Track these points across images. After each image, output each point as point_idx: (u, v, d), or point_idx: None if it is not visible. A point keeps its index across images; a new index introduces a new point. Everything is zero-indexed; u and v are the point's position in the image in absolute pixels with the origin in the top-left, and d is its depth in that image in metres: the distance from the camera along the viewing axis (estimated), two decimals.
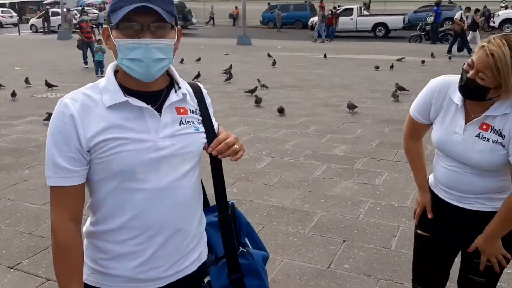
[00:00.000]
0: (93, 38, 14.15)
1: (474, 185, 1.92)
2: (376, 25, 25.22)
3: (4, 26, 34.99)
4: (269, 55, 15.95)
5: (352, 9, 25.55)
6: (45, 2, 39.54)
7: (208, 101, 1.52)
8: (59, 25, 26.80)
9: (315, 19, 24.54)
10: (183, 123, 1.38)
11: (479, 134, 1.86)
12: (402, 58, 14.65)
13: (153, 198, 1.33)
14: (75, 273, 1.34)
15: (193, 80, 11.94)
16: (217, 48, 19.67)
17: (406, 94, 9.29)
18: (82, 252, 1.37)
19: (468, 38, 17.37)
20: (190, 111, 1.43)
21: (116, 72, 1.38)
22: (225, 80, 11.18)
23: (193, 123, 1.41)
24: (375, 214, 4.13)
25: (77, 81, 11.73)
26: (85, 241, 1.41)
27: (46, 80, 10.38)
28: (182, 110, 1.40)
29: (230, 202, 1.60)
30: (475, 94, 1.81)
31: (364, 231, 3.83)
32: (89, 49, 13.96)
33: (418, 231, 2.18)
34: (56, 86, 10.52)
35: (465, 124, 1.89)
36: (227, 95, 9.71)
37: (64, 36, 24.97)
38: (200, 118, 1.45)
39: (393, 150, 5.93)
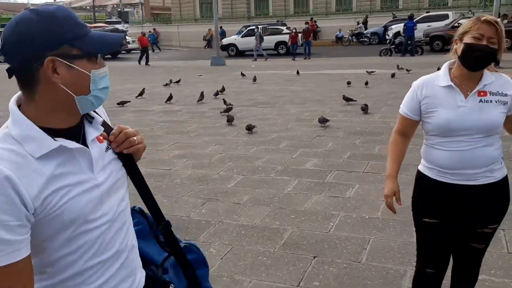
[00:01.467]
0: None
1: (484, 158, 2.19)
2: (278, 43, 26.68)
3: None
4: (242, 74, 16.00)
5: (255, 28, 26.26)
6: None
7: (103, 113, 1.43)
8: None
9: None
10: (107, 151, 1.34)
11: (481, 99, 2.16)
12: (372, 72, 14.82)
13: (107, 230, 1.28)
14: None
15: (165, 102, 11.76)
16: (191, 69, 19.66)
17: (377, 106, 9.34)
18: None
19: None
20: (102, 135, 1.35)
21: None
22: (198, 100, 11.12)
23: (109, 148, 1.35)
24: (346, 228, 4.05)
25: None
26: None
27: None
28: (101, 138, 1.33)
29: (135, 207, 1.56)
30: (490, 58, 2.12)
31: (335, 246, 3.74)
32: None
33: (426, 219, 2.36)
34: None
35: (465, 98, 2.17)
36: (201, 114, 9.64)
37: None
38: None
39: (364, 162, 5.90)
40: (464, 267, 2.45)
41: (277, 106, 10.33)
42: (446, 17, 25.21)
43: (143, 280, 1.45)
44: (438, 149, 2.26)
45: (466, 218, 2.30)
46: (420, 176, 2.40)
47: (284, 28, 27.76)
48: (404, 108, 2.37)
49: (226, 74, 17.34)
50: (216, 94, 11.73)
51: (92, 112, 1.33)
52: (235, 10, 41.85)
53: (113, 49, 1.26)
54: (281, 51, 26.62)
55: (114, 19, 54.31)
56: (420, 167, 2.40)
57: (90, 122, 1.32)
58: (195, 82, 15.33)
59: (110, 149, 1.35)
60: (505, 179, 2.28)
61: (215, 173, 5.72)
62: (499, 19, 2.15)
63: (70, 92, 1.18)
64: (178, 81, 14.71)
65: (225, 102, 10.07)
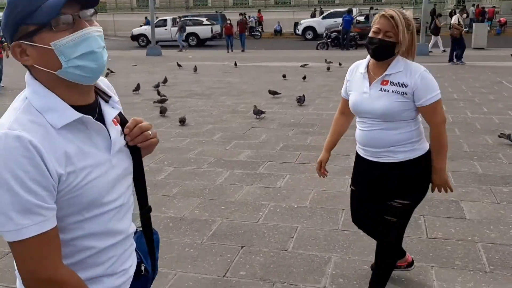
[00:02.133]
0: (4, 54, 12.12)
1: (382, 140, 2.49)
2: (188, 35, 26.60)
3: None
4: (178, 65, 15.73)
5: (166, 20, 26.79)
6: None
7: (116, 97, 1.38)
8: None
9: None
10: (122, 135, 1.31)
11: (381, 88, 2.44)
12: (306, 65, 15.06)
13: (117, 213, 1.28)
14: None
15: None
16: (126, 59, 19.07)
17: (311, 99, 9.50)
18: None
19: (431, 43, 17.98)
20: (120, 122, 1.33)
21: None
22: (133, 90, 10.78)
23: (122, 133, 1.32)
24: (275, 217, 4.07)
25: None
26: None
27: None
28: (115, 120, 1.30)
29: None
30: (387, 50, 2.38)
31: (263, 235, 3.74)
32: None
33: (351, 186, 2.86)
34: None
35: (370, 85, 2.48)
36: (132, 106, 9.35)
37: None
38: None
39: (296, 153, 5.97)
40: (381, 239, 2.75)
41: (212, 97, 10.23)
42: (351, 12, 25.73)
43: (134, 262, 1.44)
44: (357, 127, 2.65)
45: (377, 191, 2.66)
46: (356, 153, 2.79)
47: (204, 19, 27.96)
48: (342, 91, 2.73)
49: (161, 65, 16.97)
50: (157, 85, 10.90)
51: (108, 90, 1.31)
52: (173, 0, 41.08)
53: (55, 12, 1.09)
54: (192, 43, 26.66)
55: None
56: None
57: (107, 101, 1.28)
58: (128, 72, 14.87)
59: (122, 134, 1.31)
60: (408, 162, 2.50)
61: (144, 165, 5.55)
62: (396, 14, 2.35)
63: (48, 70, 1.13)
64: (111, 71, 14.20)
65: (159, 93, 9.82)
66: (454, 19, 15.33)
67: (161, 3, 39.82)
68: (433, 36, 18.52)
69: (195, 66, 14.83)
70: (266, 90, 10.15)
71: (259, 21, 33.04)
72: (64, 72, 1.13)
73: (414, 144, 2.50)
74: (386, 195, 2.58)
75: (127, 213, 1.35)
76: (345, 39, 21.89)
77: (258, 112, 7.89)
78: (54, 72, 1.13)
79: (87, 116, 1.17)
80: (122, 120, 1.34)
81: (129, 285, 1.39)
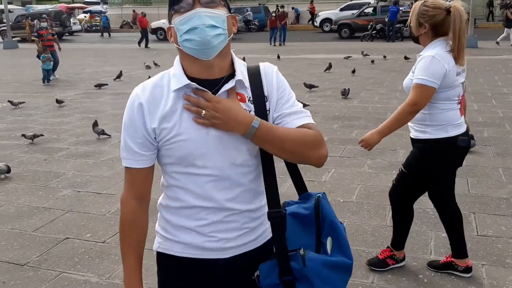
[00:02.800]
0: (56, 46, 12.59)
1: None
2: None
3: None
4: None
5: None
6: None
7: (269, 82, 1.44)
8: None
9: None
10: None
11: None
12: (349, 57, 14.86)
13: (212, 182, 1.39)
14: (132, 245, 1.48)
15: (115, 79, 11.46)
16: (171, 52, 19.37)
17: (356, 92, 9.37)
18: (140, 229, 1.49)
19: (502, 35, 17.20)
20: (248, 99, 1.42)
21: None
22: None
23: (249, 112, 1.39)
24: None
25: (20, 90, 11.27)
26: (158, 213, 1.53)
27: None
28: (239, 97, 1.40)
29: (317, 194, 1.51)
30: (411, 33, 2.84)
31: None
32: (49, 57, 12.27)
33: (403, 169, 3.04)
34: (23, 102, 9.95)
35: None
36: None
37: (11, 45, 24.05)
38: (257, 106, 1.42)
39: (341, 146, 5.93)
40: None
41: None
42: (397, 3, 24.95)
43: (257, 244, 1.49)
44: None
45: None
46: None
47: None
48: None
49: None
50: None
51: (239, 70, 1.41)
52: None
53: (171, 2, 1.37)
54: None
55: None
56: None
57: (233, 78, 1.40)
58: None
59: (250, 113, 1.38)
60: (417, 140, 2.86)
61: None
62: (418, 2, 2.74)
63: (176, 45, 1.38)
64: (155, 65, 14.48)
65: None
66: None
67: None
68: (505, 29, 17.60)
69: (244, 58, 14.92)
70: (308, 81, 10.09)
71: (311, 12, 32.29)
72: (182, 46, 1.35)
73: (426, 127, 2.78)
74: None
75: (229, 189, 1.41)
76: (391, 30, 21.39)
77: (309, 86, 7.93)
78: (177, 46, 1.37)
79: (192, 83, 1.35)
80: (255, 92, 1.42)
81: (227, 256, 1.46)
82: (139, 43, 22.57)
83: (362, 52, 15.11)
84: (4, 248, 3.64)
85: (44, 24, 12.95)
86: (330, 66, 12.48)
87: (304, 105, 7.86)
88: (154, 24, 28.04)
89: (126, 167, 1.45)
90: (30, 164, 5.70)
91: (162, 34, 27.13)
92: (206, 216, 1.43)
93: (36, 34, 12.89)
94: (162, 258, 1.52)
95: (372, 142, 2.82)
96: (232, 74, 1.40)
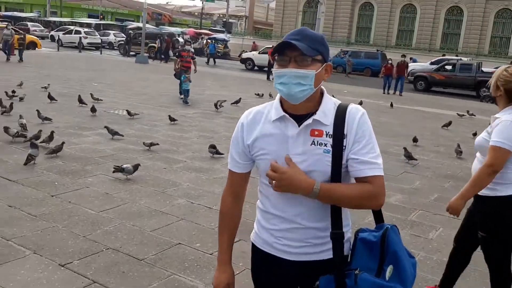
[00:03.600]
0: (192, 68, 13.24)
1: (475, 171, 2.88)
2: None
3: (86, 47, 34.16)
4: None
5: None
6: (128, 26, 42.19)
7: (351, 122, 1.65)
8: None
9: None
10: (313, 144, 1.65)
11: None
12: (463, 115, 14.26)
13: (281, 196, 1.70)
14: (224, 230, 1.89)
15: (232, 103, 11.94)
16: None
17: (471, 152, 8.93)
18: (232, 220, 1.89)
19: None
20: (327, 134, 1.66)
21: None
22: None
23: (325, 145, 1.65)
24: (424, 268, 3.97)
25: (147, 103, 12.32)
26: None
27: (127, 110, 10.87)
28: (316, 132, 1.66)
29: (387, 226, 1.71)
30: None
31: (416, 284, 3.68)
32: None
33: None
34: (137, 114, 10.97)
35: None
36: None
37: (142, 60, 26.45)
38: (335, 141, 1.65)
39: None
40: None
41: None
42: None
43: (322, 256, 1.72)
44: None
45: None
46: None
47: None
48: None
49: None
50: None
51: (321, 110, 1.68)
52: (336, 34, 41.98)
53: (277, 50, 1.66)
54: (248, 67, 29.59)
55: (218, 27, 56.60)
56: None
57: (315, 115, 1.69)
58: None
59: (322, 146, 1.65)
60: (485, 198, 2.86)
61: None
62: (500, 69, 2.87)
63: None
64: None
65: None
66: None
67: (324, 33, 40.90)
68: None
69: (361, 102, 14.95)
70: (422, 136, 9.84)
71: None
72: (275, 88, 1.67)
73: (496, 185, 2.79)
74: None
75: (291, 206, 1.71)
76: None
77: (408, 157, 7.73)
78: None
79: (286, 115, 1.68)
80: (336, 133, 1.65)
81: (291, 259, 1.75)
82: (268, 76, 23.28)
83: (468, 111, 14.47)
84: (125, 242, 4.03)
85: (187, 47, 13.81)
86: (449, 123, 12.03)
87: (410, 158, 7.70)
88: (245, 55, 30.71)
89: (229, 169, 1.84)
90: (152, 170, 6.24)
91: (250, 64, 29.99)
92: (277, 223, 1.76)
93: (177, 54, 13.86)
94: (252, 247, 1.89)
95: (458, 208, 2.93)
96: (315, 112, 1.68)
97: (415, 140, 9.51)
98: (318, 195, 1.61)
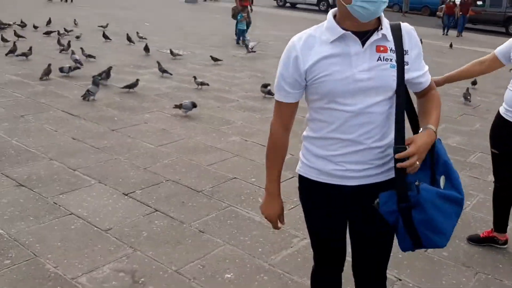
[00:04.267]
0: (249, 8, 12.90)
1: None
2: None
3: None
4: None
5: None
6: None
7: (408, 39, 1.69)
8: None
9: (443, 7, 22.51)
10: (380, 60, 1.63)
11: None
12: None
13: (350, 118, 1.66)
14: (276, 161, 1.84)
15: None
16: None
17: None
18: (284, 150, 1.84)
19: None
20: (390, 49, 1.65)
21: (334, 17, 1.69)
22: None
23: (390, 60, 1.64)
24: (483, 210, 3.90)
25: (199, 42, 12.30)
26: (302, 143, 1.85)
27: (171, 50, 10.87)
28: (382, 48, 1.64)
29: (437, 140, 1.73)
30: None
31: (469, 224, 3.64)
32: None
33: (493, 150, 3.21)
34: (180, 55, 10.89)
35: None
36: None
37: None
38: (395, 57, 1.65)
39: None
40: None
41: None
42: None
43: (382, 178, 1.74)
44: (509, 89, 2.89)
45: None
46: (498, 116, 3.07)
47: None
48: (501, 47, 3.00)
49: None
50: None
51: (385, 26, 1.65)
52: None
53: None
54: (322, 7, 26.74)
55: None
56: (501, 109, 3.03)
57: (377, 31, 1.64)
58: None
59: (388, 61, 1.64)
60: None
61: None
62: None
63: (342, 1, 1.60)
64: None
65: None
66: None
67: None
68: None
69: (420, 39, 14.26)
70: (484, 78, 9.31)
71: None
72: (351, 7, 1.57)
73: None
74: None
75: (365, 125, 1.67)
76: None
77: (466, 96, 7.49)
78: (345, 5, 1.58)
79: (347, 32, 1.61)
80: (398, 47, 1.65)
81: (353, 184, 1.74)
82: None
83: None
84: (183, 175, 4.18)
85: None
86: None
87: (466, 99, 7.35)
88: None
89: (277, 101, 1.78)
90: (206, 108, 6.32)
91: (282, 1, 27.91)
92: (339, 147, 1.71)
93: None
94: (301, 180, 1.85)
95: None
96: (377, 28, 1.64)
97: (474, 83, 9.05)
98: (436, 133, 1.68)
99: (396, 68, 1.64)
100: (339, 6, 1.64)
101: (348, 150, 1.71)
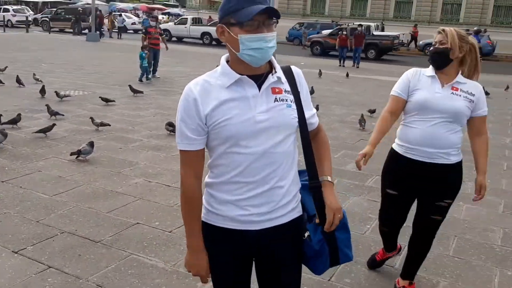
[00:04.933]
0: (160, 46, 12.58)
1: (443, 140, 2.71)
2: (204, 34, 29.51)
3: (15, 25, 32.25)
4: None
5: (187, 19, 30.66)
6: (78, 3, 40.50)
7: (299, 81, 1.78)
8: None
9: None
10: (277, 101, 1.69)
11: (452, 92, 2.73)
12: None
13: (253, 160, 1.67)
14: (195, 215, 1.77)
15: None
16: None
17: None
18: (201, 201, 1.78)
19: None
20: (285, 91, 1.73)
21: (227, 62, 1.73)
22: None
23: (286, 101, 1.71)
24: None
25: (100, 82, 11.95)
26: (204, 190, 1.81)
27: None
28: (277, 90, 1.71)
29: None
30: (441, 55, 2.72)
31: (369, 248, 3.78)
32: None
33: (388, 190, 3.03)
34: (68, 95, 10.58)
35: (442, 87, 2.75)
36: None
37: (93, 38, 25.51)
38: (293, 97, 1.73)
39: None
40: (422, 237, 3.03)
41: (323, 106, 10.31)
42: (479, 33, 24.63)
43: (285, 219, 1.77)
44: (412, 126, 2.80)
45: (424, 193, 2.88)
46: (391, 153, 2.99)
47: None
48: (398, 90, 2.88)
49: None
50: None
51: (278, 69, 1.74)
52: (291, 6, 41.77)
53: (249, 17, 1.58)
54: (205, 41, 29.30)
55: (172, 2, 55.20)
56: (394, 145, 2.99)
57: (272, 74, 1.71)
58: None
59: (284, 102, 1.70)
60: (457, 164, 2.81)
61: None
62: (448, 28, 2.76)
63: (231, 49, 1.65)
64: None
65: None
66: None
67: (280, 8, 40.69)
68: None
69: (320, 70, 15.14)
70: (378, 104, 9.96)
71: (414, 36, 31.77)
72: (240, 55, 1.63)
73: (459, 149, 2.82)
74: (436, 196, 2.85)
75: (268, 166, 1.69)
76: None
77: (361, 121, 7.94)
78: (235, 52, 1.64)
79: (243, 76, 1.65)
80: (294, 91, 1.75)
81: (257, 229, 1.74)
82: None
83: None
84: (81, 225, 3.93)
85: (153, 23, 13.03)
86: None
87: (364, 121, 7.80)
88: (162, 26, 28.67)
89: (182, 151, 1.72)
90: (107, 150, 6.07)
91: (168, 35, 28.73)
92: (244, 191, 1.71)
93: (144, 31, 12.98)
94: (206, 227, 1.80)
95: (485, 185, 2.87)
96: (269, 70, 1.72)
97: (372, 111, 9.46)
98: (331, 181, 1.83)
99: (292, 107, 1.72)
100: (230, 53, 1.69)
101: (253, 193, 1.71)
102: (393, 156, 2.96)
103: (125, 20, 32.34)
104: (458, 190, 2.89)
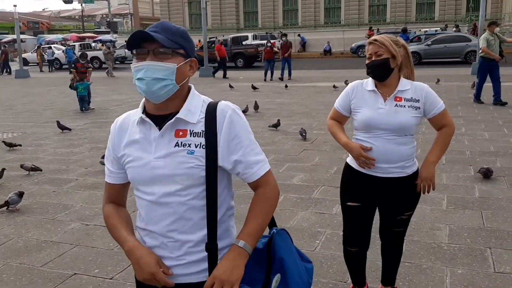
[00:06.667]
0: (88, 78, 12.84)
1: (396, 154, 2.61)
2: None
3: None
4: (230, 86, 15.96)
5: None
6: (3, 40, 38.82)
7: (221, 121, 1.52)
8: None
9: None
10: (178, 146, 1.50)
11: (396, 104, 2.60)
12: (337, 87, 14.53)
13: (150, 207, 1.54)
14: (117, 228, 1.61)
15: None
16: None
17: None
18: (123, 214, 1.68)
19: None
20: (192, 133, 1.50)
21: None
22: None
23: (189, 146, 1.49)
24: (332, 246, 4.00)
25: (31, 120, 11.37)
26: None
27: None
28: (181, 133, 1.51)
29: (273, 230, 1.63)
30: (382, 67, 2.58)
31: (321, 265, 3.68)
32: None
33: (348, 203, 2.83)
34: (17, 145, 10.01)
35: (384, 101, 2.62)
36: None
37: (22, 74, 24.47)
38: (202, 141, 1.49)
39: None
40: (390, 247, 3.00)
41: (264, 118, 10.28)
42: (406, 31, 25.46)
43: (192, 279, 1.55)
44: (364, 141, 2.66)
45: (384, 206, 2.81)
46: (346, 166, 2.84)
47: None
48: (338, 104, 2.81)
49: (214, 86, 17.30)
50: (246, 110, 10.49)
51: (185, 109, 1.53)
52: (224, 21, 41.97)
53: (128, 47, 1.54)
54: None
55: (103, 29, 54.10)
56: (348, 159, 2.85)
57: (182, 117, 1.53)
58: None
59: (186, 147, 1.49)
60: (413, 175, 2.72)
61: None
62: (380, 36, 2.63)
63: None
64: None
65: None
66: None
67: (213, 24, 40.79)
68: None
69: (252, 85, 15.09)
70: (318, 111, 10.07)
71: None
72: (136, 85, 1.53)
73: (414, 159, 2.74)
74: (396, 211, 2.80)
75: (165, 217, 1.52)
76: None
77: (303, 132, 7.94)
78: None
79: (143, 115, 1.54)
80: (209, 139, 1.51)
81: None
82: (214, 73, 20.93)
83: (346, 81, 14.46)
84: (13, 284, 3.59)
85: (81, 60, 13.16)
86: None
87: (305, 133, 7.80)
88: (90, 53, 27.80)
89: (105, 181, 1.70)
90: (40, 196, 5.69)
91: (98, 63, 28.96)
92: (146, 238, 1.59)
93: (73, 65, 13.22)
94: None
95: (434, 177, 2.74)
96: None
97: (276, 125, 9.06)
98: (252, 246, 1.52)
99: (196, 154, 1.48)
100: None
101: (155, 243, 1.57)
102: (349, 170, 2.81)
103: (54, 53, 31.23)
104: (417, 199, 2.82)
